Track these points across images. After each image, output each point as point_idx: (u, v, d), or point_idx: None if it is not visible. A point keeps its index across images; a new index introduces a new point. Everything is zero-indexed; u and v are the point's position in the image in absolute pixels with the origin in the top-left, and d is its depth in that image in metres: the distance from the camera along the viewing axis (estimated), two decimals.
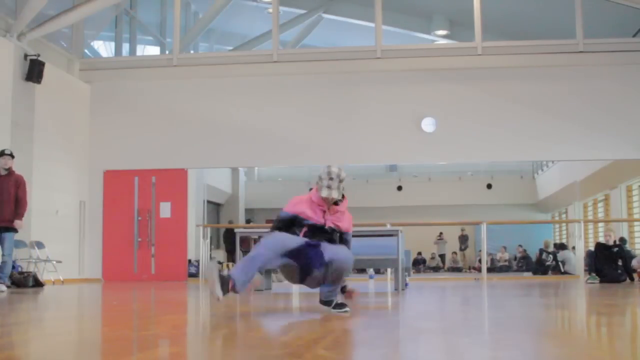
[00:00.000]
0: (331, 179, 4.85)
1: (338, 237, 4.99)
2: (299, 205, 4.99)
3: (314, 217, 4.91)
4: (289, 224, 4.93)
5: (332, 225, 4.95)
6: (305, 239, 4.83)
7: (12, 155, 9.10)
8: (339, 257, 4.75)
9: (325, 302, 4.88)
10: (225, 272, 4.69)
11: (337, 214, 4.99)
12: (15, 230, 9.01)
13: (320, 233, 4.90)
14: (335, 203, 4.95)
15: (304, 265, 4.79)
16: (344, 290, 5.17)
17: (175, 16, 14.14)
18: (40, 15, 11.89)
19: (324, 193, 4.82)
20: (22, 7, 11.58)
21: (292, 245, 4.74)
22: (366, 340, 3.27)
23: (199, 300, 7.59)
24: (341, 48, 15.54)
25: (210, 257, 14.28)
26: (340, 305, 4.81)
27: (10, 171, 9.05)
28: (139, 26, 16.16)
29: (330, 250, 4.79)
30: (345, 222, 5.04)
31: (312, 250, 4.78)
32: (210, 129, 13.56)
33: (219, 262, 4.94)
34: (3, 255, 8.99)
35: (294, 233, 4.89)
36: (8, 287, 9.23)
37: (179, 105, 13.69)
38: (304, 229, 4.90)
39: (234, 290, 4.57)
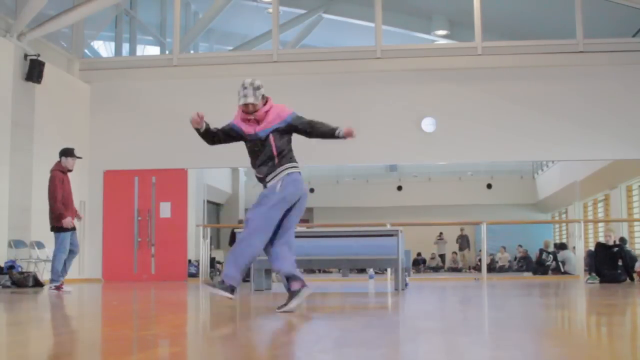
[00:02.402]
0: (245, 87, 5.04)
1: (278, 139, 5.14)
2: (236, 119, 5.26)
3: (246, 129, 5.15)
4: (227, 133, 5.37)
5: (267, 134, 5.10)
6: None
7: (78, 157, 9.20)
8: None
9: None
10: (218, 280, 4.91)
11: (267, 117, 5.09)
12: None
13: (259, 146, 5.17)
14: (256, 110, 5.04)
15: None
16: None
17: (175, 16, 14.14)
18: (40, 15, 11.89)
19: (240, 102, 5.02)
20: (22, 7, 11.57)
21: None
22: (366, 340, 3.26)
23: (199, 300, 7.60)
24: (341, 48, 15.53)
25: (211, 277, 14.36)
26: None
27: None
28: (139, 26, 16.16)
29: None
30: (275, 115, 5.10)
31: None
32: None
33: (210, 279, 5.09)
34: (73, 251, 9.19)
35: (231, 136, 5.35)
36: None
37: (179, 105, 13.66)
38: (248, 145, 5.27)
39: (233, 289, 4.81)
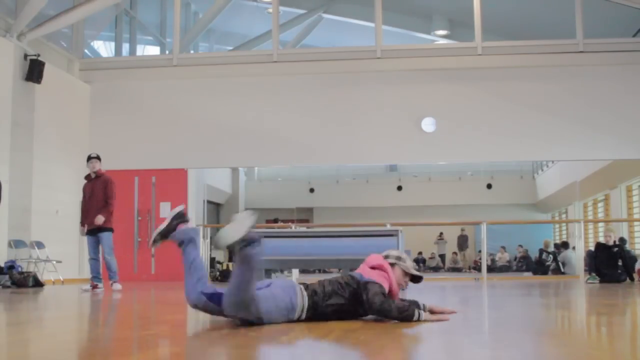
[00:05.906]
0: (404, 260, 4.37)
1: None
2: (386, 280, 4.23)
3: (397, 293, 4.29)
4: None
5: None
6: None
7: (98, 158, 9.34)
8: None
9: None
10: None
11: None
12: (108, 230, 9.19)
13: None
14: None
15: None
16: None
17: (175, 16, 14.14)
18: (40, 15, 11.89)
19: (415, 272, 4.33)
20: (22, 7, 11.58)
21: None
22: (366, 340, 3.26)
23: None
24: (341, 48, 15.53)
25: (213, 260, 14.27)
26: None
27: (98, 174, 9.32)
28: (139, 26, 16.16)
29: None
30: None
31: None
32: (210, 129, 13.56)
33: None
34: (105, 255, 9.24)
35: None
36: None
37: (179, 106, 13.69)
38: None
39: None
